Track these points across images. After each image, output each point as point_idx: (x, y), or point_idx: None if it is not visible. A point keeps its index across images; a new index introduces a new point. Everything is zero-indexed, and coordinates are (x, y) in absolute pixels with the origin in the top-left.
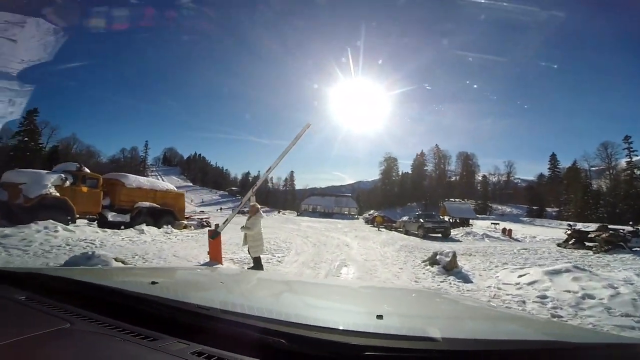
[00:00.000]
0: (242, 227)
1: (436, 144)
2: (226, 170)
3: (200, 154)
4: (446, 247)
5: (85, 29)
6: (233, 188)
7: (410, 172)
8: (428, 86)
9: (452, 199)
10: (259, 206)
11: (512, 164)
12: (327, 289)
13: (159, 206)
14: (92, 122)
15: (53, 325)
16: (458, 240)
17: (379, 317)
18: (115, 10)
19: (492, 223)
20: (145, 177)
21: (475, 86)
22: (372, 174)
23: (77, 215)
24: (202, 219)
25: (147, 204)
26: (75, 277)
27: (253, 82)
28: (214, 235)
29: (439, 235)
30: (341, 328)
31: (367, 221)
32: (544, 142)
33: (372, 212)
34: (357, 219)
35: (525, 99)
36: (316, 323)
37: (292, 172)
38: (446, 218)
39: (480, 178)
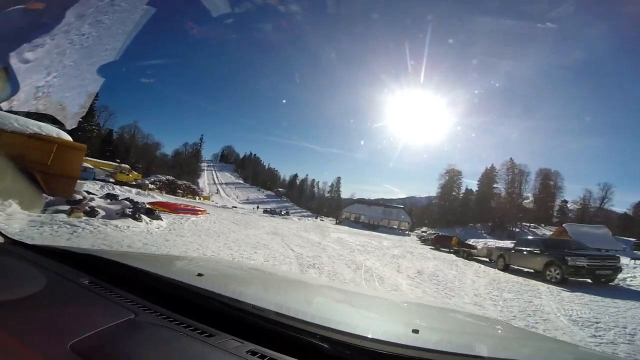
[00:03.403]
0: None
1: (510, 158)
2: (276, 170)
3: (254, 154)
4: None
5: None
6: (280, 189)
7: (475, 189)
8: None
9: (558, 223)
10: None
11: (610, 187)
12: (368, 299)
13: None
14: (160, 117)
15: (120, 316)
16: None
17: (415, 331)
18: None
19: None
20: None
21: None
22: (427, 190)
23: None
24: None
25: None
26: (129, 262)
27: (310, 88)
28: None
29: (588, 280)
30: (381, 339)
31: (425, 241)
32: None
33: (424, 229)
34: (409, 235)
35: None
36: (357, 332)
37: (339, 178)
38: None
39: (560, 202)
